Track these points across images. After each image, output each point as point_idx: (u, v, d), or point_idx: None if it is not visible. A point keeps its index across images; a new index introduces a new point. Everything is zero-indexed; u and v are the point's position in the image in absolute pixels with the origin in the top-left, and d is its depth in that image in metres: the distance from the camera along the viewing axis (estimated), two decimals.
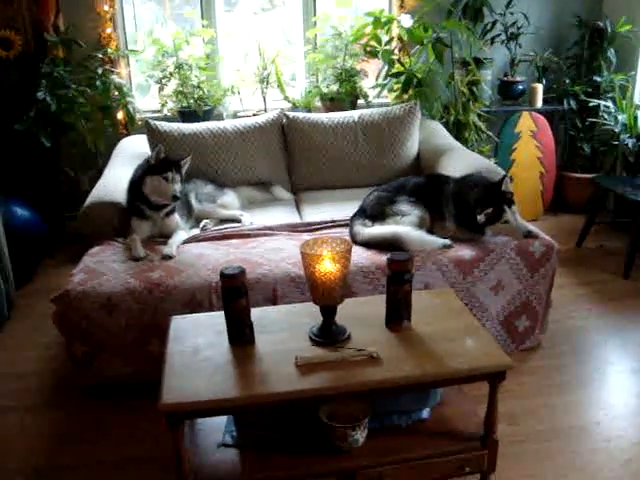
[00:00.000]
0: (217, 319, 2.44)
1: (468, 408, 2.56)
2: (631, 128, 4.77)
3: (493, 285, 3.20)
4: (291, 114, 4.26)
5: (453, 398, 2.59)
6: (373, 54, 4.58)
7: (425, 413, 2.49)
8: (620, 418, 2.93)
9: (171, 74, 4.67)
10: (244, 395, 2.10)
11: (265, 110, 4.74)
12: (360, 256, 3.09)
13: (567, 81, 5.21)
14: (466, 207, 3.22)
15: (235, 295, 2.27)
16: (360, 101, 4.85)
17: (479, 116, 4.67)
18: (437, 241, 3.18)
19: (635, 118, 4.78)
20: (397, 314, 2.37)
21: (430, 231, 3.28)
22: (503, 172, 3.50)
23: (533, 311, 3.32)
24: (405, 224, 3.21)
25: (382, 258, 2.99)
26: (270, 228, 3.50)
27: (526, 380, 3.19)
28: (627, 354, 3.43)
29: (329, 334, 2.32)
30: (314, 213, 3.80)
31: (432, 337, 2.34)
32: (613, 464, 2.66)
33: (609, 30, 5.02)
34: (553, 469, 2.64)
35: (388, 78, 4.53)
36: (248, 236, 3.43)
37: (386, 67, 4.53)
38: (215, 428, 2.42)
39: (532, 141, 5.03)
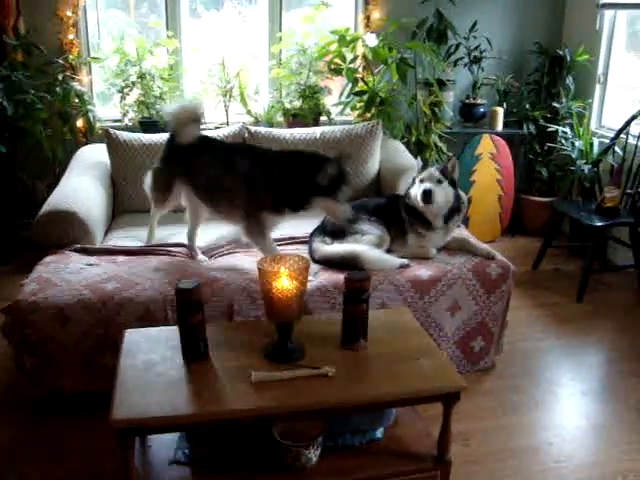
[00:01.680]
0: (171, 333, 2.41)
1: (422, 428, 2.56)
2: (587, 154, 4.86)
3: (449, 305, 3.22)
4: (253, 128, 4.25)
5: (407, 418, 2.59)
6: (337, 72, 4.60)
7: (379, 433, 2.48)
8: (571, 439, 2.96)
9: (133, 83, 4.62)
10: (197, 412, 2.07)
11: (227, 123, 4.72)
12: (318, 274, 3.09)
13: (527, 106, 5.32)
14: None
15: (190, 309, 2.23)
16: (323, 118, 4.87)
17: (440, 137, 4.72)
18: (395, 261, 3.20)
19: (591, 145, 4.88)
20: (353, 333, 2.37)
21: (389, 251, 3.30)
22: (464, 195, 3.52)
23: (488, 332, 3.35)
24: (364, 243, 3.22)
25: (340, 277, 2.97)
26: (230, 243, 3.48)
27: (480, 400, 3.21)
28: (579, 376, 3.47)
29: (284, 352, 2.30)
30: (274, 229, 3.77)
31: (388, 357, 2.34)
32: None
33: (568, 58, 5.14)
34: None
35: (351, 96, 4.56)
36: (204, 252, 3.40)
37: (349, 85, 4.56)
38: (167, 445, 2.38)
39: (492, 163, 5.10)
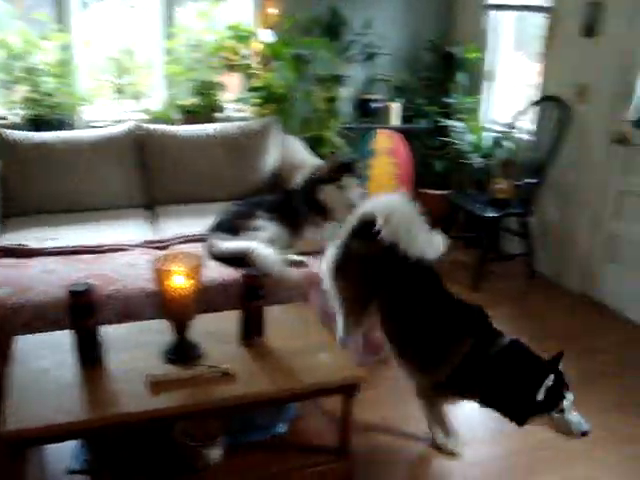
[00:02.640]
0: (65, 338, 2.34)
1: (324, 421, 2.59)
2: (478, 148, 5.03)
3: None
4: (148, 126, 4.17)
5: (309, 411, 2.62)
6: (232, 68, 4.57)
7: (281, 428, 2.49)
8: (471, 422, 3.06)
9: (20, 79, 4.43)
10: (93, 418, 2.03)
11: (121, 121, 4.60)
12: (218, 271, 3.06)
13: (421, 101, 5.44)
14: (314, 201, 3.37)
15: (83, 313, 2.18)
16: (219, 114, 4.82)
17: (337, 132, 4.76)
18: (283, 264, 3.15)
19: (482, 139, 5.06)
20: (251, 329, 2.37)
21: (288, 246, 3.31)
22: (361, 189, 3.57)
23: None
24: (261, 239, 3.21)
25: (239, 274, 2.96)
26: (124, 244, 3.40)
27: (381, 391, 3.27)
28: None
29: (182, 351, 2.28)
30: (172, 227, 3.72)
31: (287, 352, 2.36)
32: (464, 468, 2.79)
33: (459, 56, 5.30)
34: (412, 477, 2.73)
35: (247, 92, 4.54)
36: (100, 252, 3.31)
37: (246, 81, 4.54)
38: (65, 454, 2.31)
39: (388, 158, 5.20)
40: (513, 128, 4.85)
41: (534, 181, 4.53)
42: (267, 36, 4.56)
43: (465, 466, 2.79)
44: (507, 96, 5.35)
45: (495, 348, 2.52)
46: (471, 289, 4.43)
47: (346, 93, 5.06)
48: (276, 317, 2.52)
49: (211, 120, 4.64)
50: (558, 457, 2.84)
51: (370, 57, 5.17)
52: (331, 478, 2.45)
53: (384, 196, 2.83)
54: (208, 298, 2.89)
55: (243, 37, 4.49)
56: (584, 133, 4.41)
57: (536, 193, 4.60)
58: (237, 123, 4.32)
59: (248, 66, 4.53)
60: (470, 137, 5.11)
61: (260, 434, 2.46)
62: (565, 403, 2.39)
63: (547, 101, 4.63)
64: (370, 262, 2.77)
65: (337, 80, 4.87)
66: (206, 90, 4.68)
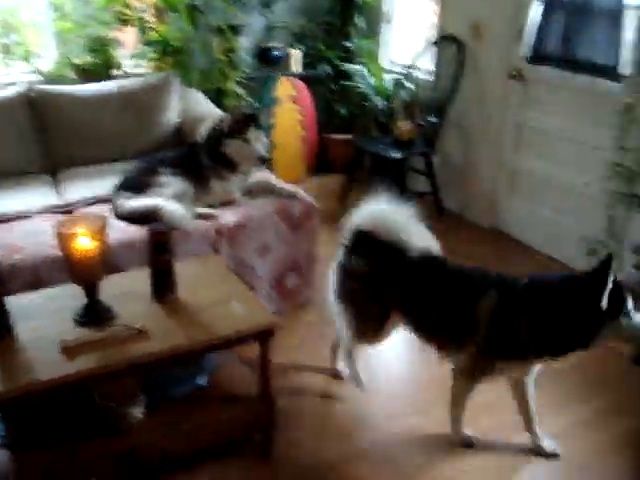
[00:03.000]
0: None
1: (244, 370, 2.64)
2: (380, 90, 5.09)
3: (259, 248, 3.30)
4: (41, 87, 4.01)
5: (228, 362, 2.65)
6: (126, 22, 4.43)
7: (201, 380, 2.52)
8: (381, 357, 3.16)
9: None
10: (6, 388, 1.99)
11: (12, 84, 4.40)
12: (125, 231, 3.02)
13: (322, 47, 5.43)
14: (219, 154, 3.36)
15: None
16: (117, 72, 4.68)
17: (238, 83, 4.71)
18: (191, 219, 3.15)
19: (384, 81, 5.11)
20: (162, 286, 2.37)
21: (195, 200, 3.29)
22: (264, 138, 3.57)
23: (300, 269, 3.48)
24: (166, 195, 3.18)
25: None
26: (27, 211, 3.29)
27: (298, 335, 3.34)
28: None
29: (94, 314, 2.26)
30: (77, 190, 3.61)
31: (200, 305, 2.38)
32: (381, 398, 2.90)
33: None
34: (331, 414, 2.82)
35: (143, 47, 4.42)
36: (2, 221, 3.20)
37: (141, 36, 4.42)
38: None
39: (292, 105, 5.19)
40: (413, 69, 4.91)
41: (436, 120, 4.64)
42: None
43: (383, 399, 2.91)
44: (406, 37, 5.40)
45: (520, 287, 2.39)
46: None
47: (245, 43, 5.01)
48: (187, 271, 2.52)
49: (108, 78, 4.50)
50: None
51: (267, 4, 5.12)
52: (254, 425, 2.51)
53: (368, 207, 2.67)
54: (117, 259, 2.88)
55: None
56: (481, 71, 4.52)
57: (439, 132, 4.71)
58: (135, 79, 4.21)
59: (142, 19, 4.40)
60: (371, 80, 5.15)
61: (181, 388, 2.47)
62: (630, 305, 2.24)
63: (445, 41, 4.71)
64: (376, 275, 2.63)
65: (235, 30, 4.80)
66: (100, 46, 4.51)
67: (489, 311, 2.38)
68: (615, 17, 3.52)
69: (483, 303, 2.39)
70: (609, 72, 3.61)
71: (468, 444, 2.64)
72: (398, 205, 2.64)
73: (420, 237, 2.63)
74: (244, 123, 3.38)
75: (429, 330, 2.59)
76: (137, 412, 2.28)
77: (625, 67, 3.55)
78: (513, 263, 4.14)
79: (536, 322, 2.31)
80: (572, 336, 2.27)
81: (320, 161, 5.57)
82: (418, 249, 2.57)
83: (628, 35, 3.52)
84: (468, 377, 2.52)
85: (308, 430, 2.71)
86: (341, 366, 2.99)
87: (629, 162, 3.39)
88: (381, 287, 2.62)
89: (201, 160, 3.38)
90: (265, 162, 3.44)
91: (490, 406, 2.80)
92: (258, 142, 3.39)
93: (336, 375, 3.02)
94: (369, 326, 2.71)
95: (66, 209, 3.34)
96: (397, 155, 4.53)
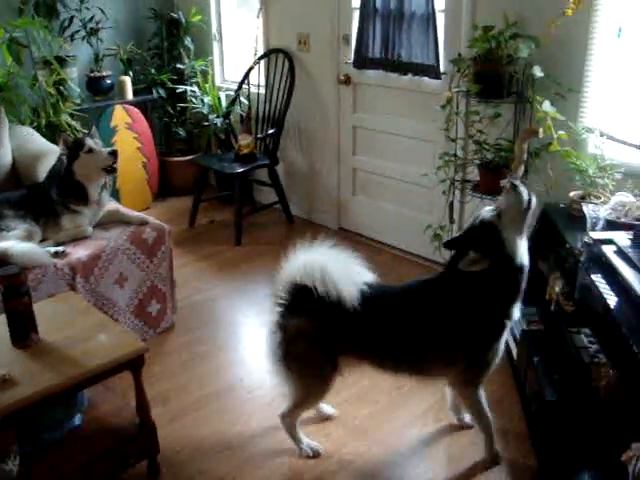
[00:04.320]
0: None
1: (119, 402, 2.61)
2: (217, 108, 5.16)
3: (116, 278, 3.26)
4: None
5: (101, 397, 2.62)
6: None
7: (77, 420, 2.47)
8: (257, 371, 3.23)
9: None
10: None
11: None
12: None
13: (153, 71, 5.41)
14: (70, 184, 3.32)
15: None
16: None
17: (72, 116, 4.60)
18: (45, 254, 3.07)
19: (219, 99, 5.18)
20: (22, 329, 2.30)
21: (43, 240, 3.21)
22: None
23: (161, 294, 3.48)
24: (12, 239, 3.06)
25: None
26: None
27: (169, 360, 3.34)
28: (253, 312, 3.78)
29: None
30: None
31: (64, 343, 2.34)
32: (260, 409, 2.97)
33: (183, 20, 5.33)
34: (214, 431, 2.84)
35: None
36: None
37: None
38: None
39: (129, 133, 5.13)
40: (246, 84, 5.02)
41: (274, 131, 4.77)
42: None
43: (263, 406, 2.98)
44: (237, 54, 5.50)
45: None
46: (235, 244, 4.59)
47: (74, 73, 4.90)
48: (45, 312, 2.46)
49: None
50: None
51: (93, 32, 5.02)
52: (137, 454, 2.49)
53: (295, 259, 2.51)
54: None
55: None
56: (312, 79, 4.71)
57: (278, 142, 4.85)
58: None
59: None
60: (207, 99, 5.21)
61: (55, 433, 2.40)
62: None
63: (272, 53, 4.85)
64: (323, 328, 2.48)
65: (62, 61, 4.68)
66: None
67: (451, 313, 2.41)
68: (428, 20, 3.79)
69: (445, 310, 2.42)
70: (430, 71, 3.88)
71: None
72: (324, 250, 2.53)
73: (359, 276, 2.52)
74: (76, 144, 3.35)
75: (406, 359, 2.51)
76: (12, 465, 2.20)
77: (443, 65, 3.84)
78: (364, 260, 4.29)
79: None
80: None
81: (164, 185, 5.55)
82: (357, 287, 2.44)
83: (441, 36, 3.81)
84: (471, 383, 2.51)
85: (195, 450, 2.73)
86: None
87: (458, 151, 3.66)
88: (329, 341, 2.49)
89: (49, 197, 3.30)
90: (114, 170, 3.39)
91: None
92: (100, 153, 3.35)
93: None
94: (317, 383, 2.56)
95: None
96: (239, 169, 4.61)
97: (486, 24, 3.34)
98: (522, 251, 2.35)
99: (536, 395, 2.67)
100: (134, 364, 2.33)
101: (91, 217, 3.37)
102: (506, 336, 2.49)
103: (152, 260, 3.39)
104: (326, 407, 2.91)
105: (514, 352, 3.13)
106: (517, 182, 2.39)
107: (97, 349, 2.30)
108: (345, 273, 2.45)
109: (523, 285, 2.39)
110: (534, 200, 2.37)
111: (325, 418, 2.90)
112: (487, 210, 2.40)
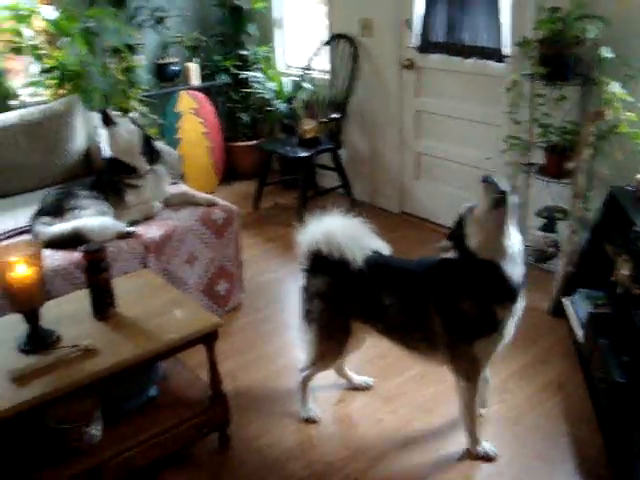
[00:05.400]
0: None
1: (190, 376, 2.70)
2: (280, 94, 5.22)
3: (187, 258, 3.37)
4: None
5: (175, 370, 2.71)
6: (19, 50, 4.37)
7: (153, 391, 2.57)
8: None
9: None
10: None
11: None
12: (53, 258, 3.00)
13: (218, 58, 5.50)
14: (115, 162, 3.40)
15: None
16: (14, 102, 4.60)
17: (140, 101, 4.73)
18: (117, 225, 3.19)
19: (281, 84, 5.25)
20: (102, 303, 2.41)
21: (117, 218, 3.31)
22: (175, 151, 3.63)
23: (228, 274, 3.57)
24: (86, 216, 3.18)
25: (76, 255, 2.93)
26: None
27: (237, 338, 3.43)
28: None
29: (38, 340, 2.28)
30: None
31: (141, 317, 2.44)
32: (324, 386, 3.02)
33: (246, 8, 5.40)
34: (280, 407, 2.92)
35: (40, 74, 4.37)
36: None
37: (36, 63, 4.37)
38: None
39: (195, 118, 5.25)
40: (310, 69, 5.07)
41: (337, 116, 4.81)
42: (49, 12, 4.39)
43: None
44: (300, 40, 5.55)
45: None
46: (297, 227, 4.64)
47: (143, 60, 5.03)
48: (122, 287, 2.56)
49: (7, 109, 4.43)
50: None
51: (160, 21, 5.15)
52: (209, 426, 2.58)
53: (316, 223, 2.70)
54: (53, 285, 2.86)
55: (23, 16, 4.29)
56: (375, 64, 4.73)
57: (342, 127, 4.89)
58: (37, 107, 4.12)
59: (35, 47, 4.35)
60: (271, 85, 5.28)
61: (134, 401, 2.51)
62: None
63: (337, 39, 4.88)
64: (334, 291, 2.65)
65: (131, 49, 4.82)
66: None
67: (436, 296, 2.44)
68: (492, 3, 3.78)
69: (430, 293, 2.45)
70: (494, 54, 3.87)
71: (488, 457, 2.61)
72: (339, 218, 2.68)
73: (367, 241, 2.65)
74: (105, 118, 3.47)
75: (397, 332, 2.62)
76: (95, 430, 2.31)
77: (507, 48, 3.82)
78: (425, 243, 4.31)
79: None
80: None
81: (229, 169, 5.65)
82: (366, 254, 2.58)
83: (506, 18, 3.79)
84: (463, 377, 2.51)
85: (263, 425, 2.81)
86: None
87: (522, 134, 3.64)
88: (340, 301, 2.65)
89: (109, 177, 3.42)
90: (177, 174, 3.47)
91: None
92: (125, 125, 3.46)
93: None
94: (332, 344, 2.72)
95: None
96: (303, 154, 4.67)
97: (553, 5, 3.32)
98: (493, 247, 2.27)
99: (604, 377, 2.66)
100: (208, 338, 2.42)
101: (153, 189, 3.44)
102: (501, 340, 2.42)
103: (221, 240, 3.47)
104: (360, 377, 3.02)
105: (579, 335, 3.11)
106: (491, 179, 2.26)
107: (173, 323, 2.39)
108: (351, 237, 2.60)
109: (506, 285, 2.29)
110: (511, 198, 2.24)
111: (356, 387, 3.00)
112: (471, 203, 2.37)
